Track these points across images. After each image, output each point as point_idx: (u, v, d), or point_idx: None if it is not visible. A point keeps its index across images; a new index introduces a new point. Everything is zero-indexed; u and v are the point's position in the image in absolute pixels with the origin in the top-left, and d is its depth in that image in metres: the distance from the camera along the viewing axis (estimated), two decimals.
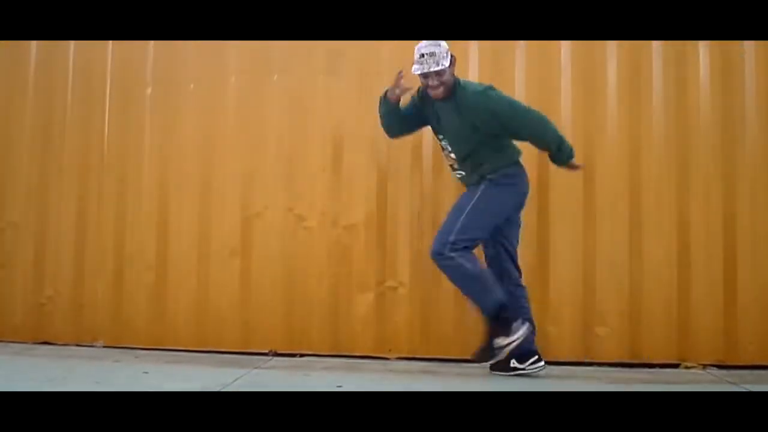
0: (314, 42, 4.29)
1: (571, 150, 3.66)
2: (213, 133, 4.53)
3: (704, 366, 3.95)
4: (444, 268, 3.55)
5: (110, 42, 4.64)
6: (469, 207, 3.57)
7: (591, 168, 4.14)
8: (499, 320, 3.48)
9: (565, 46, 4.23)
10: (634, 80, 4.18)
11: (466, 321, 4.12)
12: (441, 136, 3.77)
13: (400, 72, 3.60)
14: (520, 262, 3.86)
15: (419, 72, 3.53)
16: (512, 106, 3.58)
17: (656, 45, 4.15)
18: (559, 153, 3.65)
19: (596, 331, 4.08)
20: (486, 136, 3.58)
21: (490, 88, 3.57)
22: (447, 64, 3.51)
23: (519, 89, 4.24)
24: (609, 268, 4.10)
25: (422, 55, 3.51)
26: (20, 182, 4.73)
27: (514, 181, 3.68)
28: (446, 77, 3.54)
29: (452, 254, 3.49)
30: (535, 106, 4.16)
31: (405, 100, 3.77)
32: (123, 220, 4.59)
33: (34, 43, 4.73)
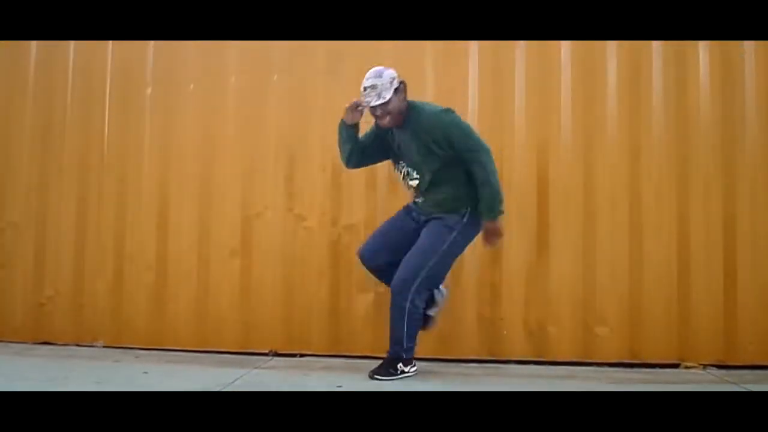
0: (314, 42, 4.29)
1: (501, 204, 3.53)
2: (213, 133, 4.53)
3: (704, 366, 3.94)
4: (397, 308, 3.51)
5: (110, 42, 4.64)
6: (441, 252, 3.54)
7: (591, 168, 4.14)
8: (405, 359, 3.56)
9: (565, 46, 4.23)
10: (634, 80, 4.17)
11: (466, 321, 4.12)
12: (402, 164, 3.69)
13: (354, 101, 3.56)
14: (520, 260, 3.86)
15: (365, 105, 3.54)
16: (465, 129, 3.55)
17: (656, 45, 4.15)
18: (491, 198, 3.49)
19: (596, 331, 4.07)
20: (445, 164, 3.53)
21: (449, 110, 3.54)
22: (389, 95, 3.47)
23: (519, 89, 4.24)
24: (609, 268, 4.10)
25: (365, 89, 3.50)
26: (20, 182, 4.73)
27: (478, 228, 3.62)
28: (392, 106, 3.50)
29: (414, 297, 3.49)
30: (535, 106, 4.19)
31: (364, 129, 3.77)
32: (123, 220, 4.59)
33: (34, 43, 4.73)
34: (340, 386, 3.29)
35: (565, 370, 3.86)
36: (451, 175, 3.55)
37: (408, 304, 3.47)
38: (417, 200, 3.73)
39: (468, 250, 3.78)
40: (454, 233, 3.56)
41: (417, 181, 3.63)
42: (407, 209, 3.80)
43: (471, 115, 4.22)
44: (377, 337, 4.15)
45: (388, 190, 4.28)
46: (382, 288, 4.20)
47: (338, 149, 3.78)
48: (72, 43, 4.70)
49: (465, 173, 3.54)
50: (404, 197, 4.21)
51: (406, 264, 3.53)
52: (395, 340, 3.53)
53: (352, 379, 3.52)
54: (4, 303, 4.71)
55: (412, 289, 3.47)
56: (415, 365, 3.61)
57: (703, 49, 4.13)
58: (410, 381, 3.49)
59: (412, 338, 3.53)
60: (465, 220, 3.58)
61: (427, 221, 3.63)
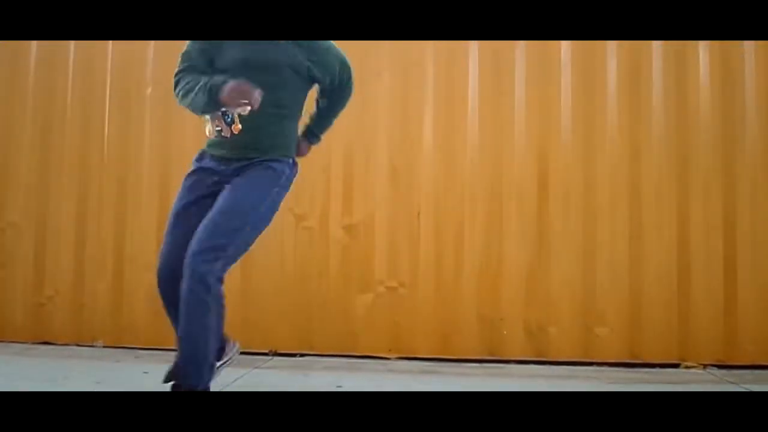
0: None
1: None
2: None
3: (704, 366, 3.94)
4: (197, 302, 2.46)
5: (110, 42, 4.64)
6: (261, 213, 2.69)
7: (591, 168, 4.14)
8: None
9: (565, 46, 4.23)
10: (634, 80, 4.18)
11: (466, 321, 4.12)
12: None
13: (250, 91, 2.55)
14: (520, 260, 3.86)
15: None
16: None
17: (656, 45, 4.15)
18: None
19: (596, 331, 4.07)
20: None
21: None
22: None
23: (519, 89, 4.24)
24: (609, 268, 4.10)
25: None
26: (20, 182, 4.73)
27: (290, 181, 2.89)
28: None
29: (218, 280, 2.52)
30: (535, 106, 4.18)
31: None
32: (123, 220, 4.59)
33: (34, 43, 4.72)
34: (340, 386, 3.29)
35: (565, 369, 3.87)
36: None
37: (212, 293, 2.45)
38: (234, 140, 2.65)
39: (467, 248, 3.78)
40: (266, 179, 2.71)
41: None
42: (199, 171, 2.82)
43: (471, 115, 4.22)
44: (378, 337, 4.16)
45: (390, 188, 4.28)
46: (382, 288, 4.19)
47: (187, 102, 2.97)
48: (72, 43, 4.70)
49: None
50: (404, 197, 4.21)
51: (207, 229, 2.51)
52: (194, 359, 2.58)
53: (353, 378, 3.52)
54: (4, 303, 4.70)
55: (218, 266, 2.47)
56: (231, 348, 2.94)
57: (703, 49, 4.13)
58: (410, 381, 3.49)
59: (213, 353, 2.60)
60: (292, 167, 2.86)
61: (239, 170, 2.68)
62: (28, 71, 4.78)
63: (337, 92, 3.01)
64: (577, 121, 4.18)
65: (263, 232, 2.80)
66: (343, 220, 4.32)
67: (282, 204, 4.36)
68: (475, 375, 3.73)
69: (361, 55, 4.27)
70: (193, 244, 2.47)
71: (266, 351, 4.27)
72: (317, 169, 4.37)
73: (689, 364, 3.97)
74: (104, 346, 4.50)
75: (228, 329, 4.34)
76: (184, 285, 2.44)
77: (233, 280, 4.38)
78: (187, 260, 2.44)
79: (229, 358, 2.91)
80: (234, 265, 4.37)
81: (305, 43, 2.81)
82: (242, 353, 4.20)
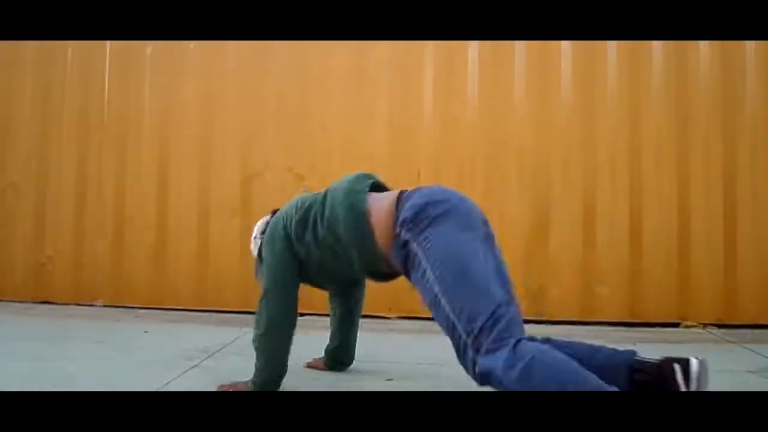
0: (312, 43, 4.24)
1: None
2: (213, 94, 4.50)
3: (704, 325, 3.95)
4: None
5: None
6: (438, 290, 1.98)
7: (591, 128, 4.11)
8: None
9: (565, 46, 4.17)
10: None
11: None
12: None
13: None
14: (520, 222, 3.85)
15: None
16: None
17: (656, 45, 4.10)
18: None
19: (596, 290, 4.07)
20: None
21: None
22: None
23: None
24: (609, 228, 4.08)
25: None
26: (20, 143, 4.71)
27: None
28: None
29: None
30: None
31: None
32: (123, 180, 4.58)
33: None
34: None
35: (565, 329, 3.87)
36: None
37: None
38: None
39: None
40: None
41: None
42: None
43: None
44: (378, 298, 4.15)
45: (391, 148, 4.25)
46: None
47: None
48: (72, 42, 4.66)
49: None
50: (406, 154, 4.18)
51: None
52: None
53: None
54: (4, 263, 4.71)
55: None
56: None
57: (703, 49, 4.08)
58: (410, 340, 3.49)
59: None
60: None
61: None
62: (29, 61, 4.75)
63: None
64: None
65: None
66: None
67: (281, 163, 4.37)
68: None
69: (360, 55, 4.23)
70: None
71: None
72: (317, 129, 4.35)
73: (689, 323, 3.97)
74: (104, 306, 4.51)
75: (228, 288, 4.36)
76: None
77: (233, 239, 4.38)
78: None
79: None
80: (234, 225, 4.38)
81: None
82: (242, 312, 4.21)
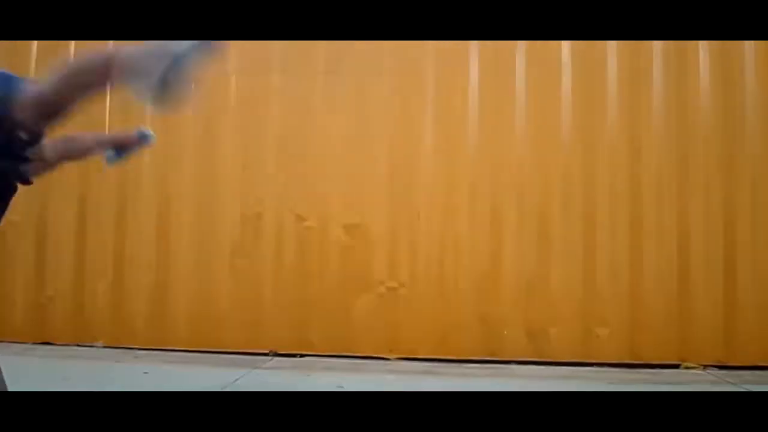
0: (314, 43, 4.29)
1: None
2: (213, 132, 4.53)
3: (704, 366, 3.94)
4: None
5: (110, 43, 4.62)
6: None
7: (591, 169, 4.14)
8: None
9: (565, 46, 4.23)
10: (634, 80, 4.17)
11: (466, 321, 4.12)
12: None
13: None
14: (520, 262, 3.85)
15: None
16: None
17: (656, 45, 4.15)
18: None
19: (596, 331, 4.07)
20: None
21: None
22: None
23: (519, 89, 4.24)
24: (609, 269, 4.09)
25: None
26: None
27: None
28: None
29: None
30: (535, 107, 4.18)
31: None
32: (123, 220, 4.58)
33: (35, 43, 4.71)
34: (341, 386, 3.28)
35: (566, 370, 3.86)
36: None
37: None
38: None
39: (468, 249, 3.78)
40: None
41: None
42: None
43: (471, 115, 4.22)
44: (378, 338, 4.16)
45: (389, 190, 4.28)
46: (382, 288, 4.20)
47: None
48: (72, 42, 4.70)
49: None
50: (404, 198, 4.21)
51: None
52: None
53: (353, 380, 3.52)
54: (4, 303, 4.70)
55: None
56: None
57: (703, 49, 4.13)
58: (411, 381, 3.49)
59: None
60: None
61: None
62: (29, 65, 4.77)
63: None
64: (577, 121, 4.18)
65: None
66: (343, 220, 4.32)
67: (282, 204, 4.39)
68: (475, 375, 3.73)
69: (362, 55, 4.29)
70: None
71: (266, 351, 4.27)
72: (318, 170, 4.38)
73: (689, 364, 3.96)
74: (104, 346, 4.49)
75: (228, 329, 4.36)
76: None
77: (233, 280, 4.39)
78: None
79: None
80: (234, 266, 4.38)
81: None
82: (242, 353, 4.21)
